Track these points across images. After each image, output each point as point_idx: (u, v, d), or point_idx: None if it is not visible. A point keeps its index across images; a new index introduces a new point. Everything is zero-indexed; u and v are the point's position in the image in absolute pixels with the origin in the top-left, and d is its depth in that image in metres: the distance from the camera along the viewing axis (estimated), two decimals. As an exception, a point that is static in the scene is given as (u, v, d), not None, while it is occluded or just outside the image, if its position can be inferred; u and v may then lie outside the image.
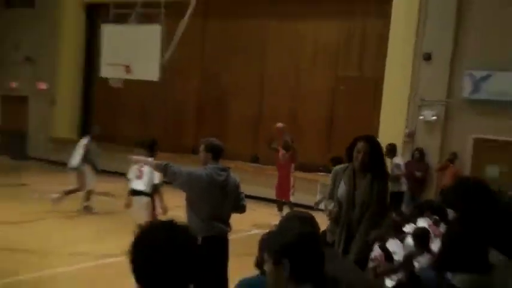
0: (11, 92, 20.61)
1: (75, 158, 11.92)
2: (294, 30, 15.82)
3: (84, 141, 12.16)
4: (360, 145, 4.97)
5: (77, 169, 11.91)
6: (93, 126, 12.45)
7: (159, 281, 1.96)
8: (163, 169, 5.76)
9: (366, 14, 14.79)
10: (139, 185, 8.07)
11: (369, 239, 4.97)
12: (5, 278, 7.28)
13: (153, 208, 8.19)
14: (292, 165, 12.01)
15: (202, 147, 5.84)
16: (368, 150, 4.94)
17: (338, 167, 5.30)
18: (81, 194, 11.98)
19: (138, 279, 1.99)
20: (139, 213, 7.70)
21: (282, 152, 11.87)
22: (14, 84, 20.45)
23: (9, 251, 8.56)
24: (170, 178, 5.67)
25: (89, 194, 12.07)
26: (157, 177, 7.90)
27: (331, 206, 5.09)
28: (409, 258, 5.11)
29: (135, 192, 8.16)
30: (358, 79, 14.86)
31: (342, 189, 5.04)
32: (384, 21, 13.97)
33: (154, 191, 8.12)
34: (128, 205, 8.25)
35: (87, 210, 11.95)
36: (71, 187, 11.91)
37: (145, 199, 8.09)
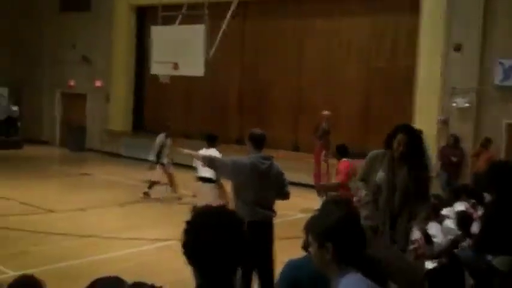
0: (70, 90, 21.02)
1: (153, 152, 12.01)
2: (328, 26, 15.70)
3: (159, 137, 12.17)
4: (400, 137, 4.76)
5: (155, 163, 11.99)
6: (166, 123, 12.52)
7: (208, 262, 1.95)
8: (209, 162, 5.76)
9: (397, 8, 14.55)
10: (207, 172, 8.05)
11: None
12: (71, 260, 7.43)
13: (221, 194, 8.25)
14: (323, 152, 11.90)
15: (247, 138, 5.81)
16: (408, 142, 4.73)
17: (375, 152, 5.05)
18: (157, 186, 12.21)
19: (189, 261, 1.99)
20: (207, 200, 7.72)
21: (315, 139, 11.79)
22: (72, 82, 20.85)
23: (74, 236, 8.72)
24: (217, 170, 5.68)
25: (153, 184, 12.11)
26: None
27: (364, 193, 4.93)
28: (454, 243, 4.95)
29: (203, 179, 8.20)
30: (390, 70, 14.64)
31: (380, 174, 4.84)
32: (415, 14, 13.73)
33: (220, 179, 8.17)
34: (196, 192, 8.32)
35: (146, 196, 12.02)
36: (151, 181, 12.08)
37: (212, 186, 8.12)
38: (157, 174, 12.08)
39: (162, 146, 11.98)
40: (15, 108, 21.33)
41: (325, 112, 12.33)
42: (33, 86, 21.91)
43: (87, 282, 2.70)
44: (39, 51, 21.69)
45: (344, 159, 8.23)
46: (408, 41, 14.28)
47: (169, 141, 12.11)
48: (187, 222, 2.02)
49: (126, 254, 8.00)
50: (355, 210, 3.26)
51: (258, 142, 5.72)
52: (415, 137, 4.84)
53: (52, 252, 7.77)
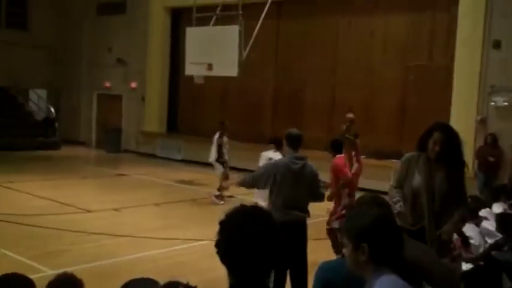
0: (106, 91, 21.36)
1: (212, 153, 11.94)
2: (364, 24, 15.58)
3: (216, 136, 12.13)
4: (436, 135, 4.45)
5: (216, 162, 11.91)
6: (223, 122, 12.41)
7: (241, 262, 1.94)
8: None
9: (434, 4, 14.34)
10: None
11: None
12: (107, 259, 7.53)
13: None
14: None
15: (283, 137, 5.80)
16: (444, 141, 4.43)
17: (410, 155, 4.75)
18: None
19: (223, 261, 1.98)
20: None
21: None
22: (108, 84, 21.17)
23: (110, 235, 8.85)
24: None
25: (221, 185, 11.93)
26: None
27: (398, 205, 4.54)
28: (495, 247, 4.80)
29: None
30: (427, 68, 14.42)
31: (417, 180, 4.55)
32: (452, 11, 13.52)
33: None
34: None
35: (218, 198, 11.79)
36: (219, 182, 11.89)
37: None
38: (220, 172, 11.90)
39: (220, 145, 11.91)
40: (53, 109, 21.79)
41: (349, 115, 11.97)
42: (71, 88, 22.35)
43: (123, 281, 2.73)
44: (77, 54, 22.11)
45: (338, 155, 7.91)
46: (445, 38, 14.06)
47: (225, 139, 12.05)
48: (221, 222, 2.03)
49: (160, 253, 8.07)
50: (391, 210, 3.20)
51: (294, 142, 5.69)
52: (452, 136, 4.53)
53: (89, 251, 7.89)
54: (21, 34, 22.08)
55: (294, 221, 5.46)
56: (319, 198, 5.86)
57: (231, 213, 2.03)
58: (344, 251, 2.41)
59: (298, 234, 5.54)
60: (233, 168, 12.60)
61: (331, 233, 6.64)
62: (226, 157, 11.99)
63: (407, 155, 4.81)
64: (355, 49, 15.68)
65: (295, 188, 5.51)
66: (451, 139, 4.49)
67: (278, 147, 8.51)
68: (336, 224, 6.44)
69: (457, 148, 4.53)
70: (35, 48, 21.99)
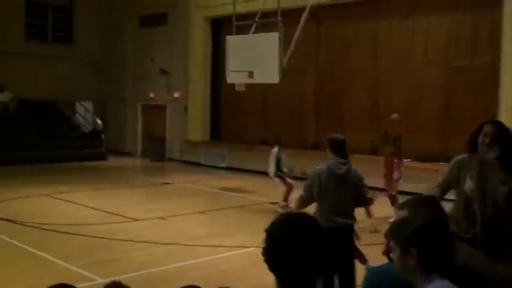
0: (150, 102, 21.70)
1: (271, 167, 11.78)
2: (404, 26, 15.39)
3: (273, 151, 11.93)
4: (487, 128, 4.21)
5: (276, 176, 11.77)
6: (279, 136, 12.28)
7: (289, 270, 1.93)
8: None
9: (476, 3, 14.05)
10: None
11: None
12: (155, 267, 7.61)
13: None
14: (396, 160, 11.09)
15: (326, 142, 5.74)
16: (496, 133, 4.17)
17: (460, 158, 4.48)
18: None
19: (270, 268, 1.97)
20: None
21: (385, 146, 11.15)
22: (152, 95, 21.51)
23: (158, 243, 8.94)
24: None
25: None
26: None
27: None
28: None
29: None
30: (470, 68, 14.11)
31: (468, 184, 4.29)
32: (496, 8, 13.22)
33: None
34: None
35: (283, 209, 11.40)
36: (284, 194, 11.68)
37: None
38: (281, 184, 11.71)
39: (278, 159, 11.75)
40: (99, 121, 22.27)
41: (394, 115, 11.76)
42: (116, 99, 22.80)
43: (171, 289, 2.75)
44: (121, 66, 22.57)
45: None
46: (490, 36, 13.74)
47: (282, 153, 11.83)
48: (267, 230, 2.01)
49: (207, 260, 8.11)
50: (444, 213, 3.07)
51: (337, 147, 5.64)
52: (504, 129, 4.23)
53: (137, 260, 7.99)
54: (67, 48, 22.71)
55: (340, 227, 5.40)
56: (365, 203, 5.80)
57: (277, 221, 2.02)
58: (392, 255, 2.36)
59: (345, 240, 5.48)
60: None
61: None
62: (284, 169, 11.79)
63: (458, 157, 4.55)
64: (397, 51, 15.49)
65: (340, 193, 5.46)
66: (503, 132, 4.23)
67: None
68: None
69: (510, 143, 4.22)
70: (80, 62, 22.58)
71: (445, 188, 4.52)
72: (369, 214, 8.81)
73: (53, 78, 21.63)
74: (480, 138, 4.24)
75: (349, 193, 5.53)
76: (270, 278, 2.01)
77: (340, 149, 5.65)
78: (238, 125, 19.49)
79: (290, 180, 11.68)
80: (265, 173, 11.66)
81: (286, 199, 11.44)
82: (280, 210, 11.30)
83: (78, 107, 23.44)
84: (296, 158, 12.92)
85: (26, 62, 21.11)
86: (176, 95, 20.66)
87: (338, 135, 5.74)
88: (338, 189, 5.45)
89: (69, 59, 22.28)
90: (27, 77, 20.90)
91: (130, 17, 22.24)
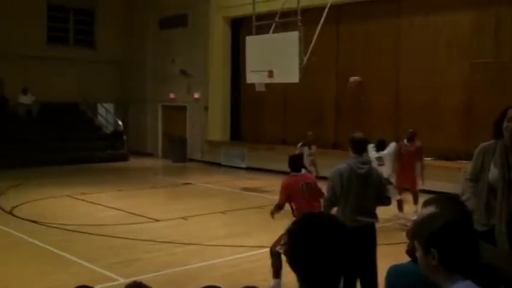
0: (171, 103, 21.81)
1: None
2: (425, 23, 15.25)
3: (298, 147, 12.04)
4: (510, 112, 3.98)
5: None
6: (307, 134, 12.29)
7: (312, 270, 1.92)
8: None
9: (499, 0, 13.89)
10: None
11: None
12: (177, 267, 7.65)
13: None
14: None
15: (347, 142, 5.71)
16: None
17: (485, 144, 4.24)
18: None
19: (293, 268, 1.96)
20: None
21: (403, 142, 10.97)
22: (172, 96, 21.62)
23: (180, 243, 8.99)
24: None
25: None
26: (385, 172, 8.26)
27: (469, 202, 4.09)
28: None
29: None
30: (494, 65, 13.93)
31: (492, 171, 4.11)
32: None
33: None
34: None
35: None
36: None
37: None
38: None
39: (301, 153, 11.68)
40: (120, 122, 22.46)
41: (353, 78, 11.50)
42: (137, 101, 22.96)
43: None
44: (141, 68, 22.73)
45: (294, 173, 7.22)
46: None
47: (306, 150, 11.96)
48: (290, 229, 2.01)
49: (228, 260, 8.13)
50: (466, 211, 2.99)
51: (358, 146, 5.62)
52: None
53: (159, 260, 8.04)
54: (88, 51, 22.93)
55: (363, 226, 5.37)
56: (386, 202, 5.78)
57: (299, 221, 2.01)
58: (416, 254, 2.34)
59: (367, 239, 5.44)
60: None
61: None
62: (309, 168, 11.72)
63: (482, 144, 4.34)
64: (418, 49, 15.33)
65: (363, 192, 5.43)
66: None
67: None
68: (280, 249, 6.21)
69: None
70: (101, 64, 22.79)
71: (475, 179, 4.31)
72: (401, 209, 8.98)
73: (75, 80, 21.86)
74: (504, 124, 4.04)
75: (371, 192, 5.51)
76: (292, 277, 2.01)
77: (360, 148, 5.63)
78: (258, 125, 19.51)
79: None
80: (285, 173, 11.62)
81: None
82: None
83: (100, 108, 23.66)
84: (318, 157, 12.88)
85: (48, 64, 21.36)
86: (196, 95, 20.74)
87: (359, 135, 5.71)
88: (360, 188, 5.42)
89: (90, 62, 22.49)
90: (50, 80, 21.15)
91: (150, 19, 22.37)
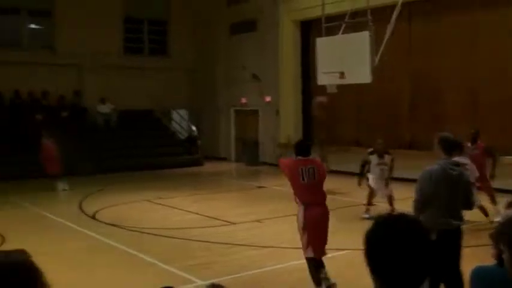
0: (243, 107, 22.01)
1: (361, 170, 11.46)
2: (504, 19, 14.58)
3: (367, 156, 11.30)
4: None
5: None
6: (376, 141, 11.33)
7: (392, 273, 1.85)
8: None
9: None
10: None
11: None
12: (253, 270, 7.69)
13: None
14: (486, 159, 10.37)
15: (435, 141, 5.54)
16: None
17: None
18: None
19: (372, 271, 1.90)
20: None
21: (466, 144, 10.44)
22: (244, 100, 21.81)
23: (255, 246, 9.04)
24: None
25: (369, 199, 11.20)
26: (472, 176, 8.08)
27: None
28: None
29: None
30: None
31: None
32: None
33: None
34: None
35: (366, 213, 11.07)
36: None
37: None
38: (377, 189, 11.11)
39: (366, 162, 11.22)
40: (194, 128, 22.89)
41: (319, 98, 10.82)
42: (210, 106, 23.34)
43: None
44: (213, 73, 23.11)
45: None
46: None
47: (375, 158, 11.01)
48: (367, 232, 1.95)
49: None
50: None
51: (448, 147, 5.45)
52: None
53: (235, 263, 8.11)
54: (162, 60, 23.54)
55: (450, 229, 5.20)
56: (471, 206, 5.62)
57: (377, 223, 1.95)
58: (503, 256, 2.24)
59: (453, 242, 5.26)
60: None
61: None
62: (369, 175, 11.15)
63: None
64: (495, 46, 14.71)
65: (452, 195, 5.27)
66: None
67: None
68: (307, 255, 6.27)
69: None
70: (175, 72, 23.35)
71: None
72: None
73: (150, 88, 22.47)
74: None
75: (460, 195, 5.37)
76: (367, 280, 1.96)
77: (452, 148, 5.47)
78: (331, 127, 19.32)
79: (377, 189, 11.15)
80: (358, 174, 11.47)
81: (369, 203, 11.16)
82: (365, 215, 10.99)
83: (174, 115, 24.22)
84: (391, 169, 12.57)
85: (125, 74, 22.10)
86: (268, 99, 20.82)
87: (449, 135, 5.56)
88: (450, 190, 5.27)
89: (164, 70, 23.09)
90: (126, 89, 21.86)
91: (220, 26, 22.68)
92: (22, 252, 1.94)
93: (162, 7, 23.82)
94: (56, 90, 20.83)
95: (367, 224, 1.91)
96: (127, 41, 23.20)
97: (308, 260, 6.41)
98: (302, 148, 6.86)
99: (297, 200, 6.58)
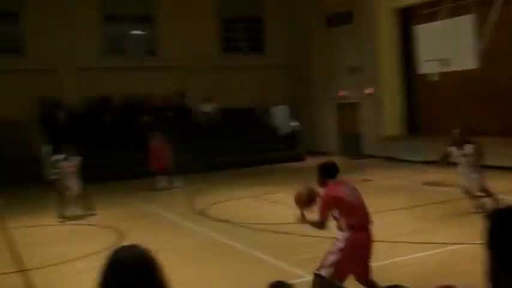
0: (343, 100, 21.86)
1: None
2: None
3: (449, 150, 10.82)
4: None
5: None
6: (452, 131, 10.84)
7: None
8: None
9: None
10: None
11: None
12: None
13: None
14: None
15: None
16: None
17: None
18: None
19: (504, 264, 1.84)
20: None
21: None
22: (343, 93, 21.64)
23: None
24: None
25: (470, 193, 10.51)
26: None
27: None
28: None
29: None
30: None
31: None
32: None
33: None
34: None
35: (480, 208, 10.13)
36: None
37: None
38: (468, 182, 10.42)
39: (446, 154, 10.83)
40: (294, 123, 23.03)
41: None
42: (309, 101, 23.41)
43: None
44: (311, 68, 23.15)
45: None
46: None
47: (455, 150, 10.46)
48: (491, 226, 1.89)
49: (415, 258, 7.95)
50: None
51: None
52: None
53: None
54: (259, 57, 23.91)
55: None
56: None
57: (498, 215, 1.90)
58: None
59: None
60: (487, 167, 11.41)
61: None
62: (461, 168, 10.54)
63: None
64: None
65: None
66: None
67: None
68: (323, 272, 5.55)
69: None
70: (272, 68, 23.63)
71: None
72: None
73: (249, 86, 22.91)
74: None
75: None
76: (476, 277, 1.92)
77: None
78: (435, 116, 18.76)
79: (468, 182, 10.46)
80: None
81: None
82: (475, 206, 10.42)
83: (274, 111, 24.49)
84: (502, 147, 12.06)
85: (224, 73, 22.69)
86: (368, 90, 20.54)
87: None
88: None
89: (261, 67, 23.44)
90: (226, 87, 22.45)
91: (315, 19, 22.66)
92: (142, 247, 2.13)
93: (257, 4, 24.16)
94: (160, 92, 21.78)
95: (478, 218, 1.89)
96: (224, 41, 23.78)
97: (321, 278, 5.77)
98: (333, 170, 6.34)
99: (343, 225, 6.02)
